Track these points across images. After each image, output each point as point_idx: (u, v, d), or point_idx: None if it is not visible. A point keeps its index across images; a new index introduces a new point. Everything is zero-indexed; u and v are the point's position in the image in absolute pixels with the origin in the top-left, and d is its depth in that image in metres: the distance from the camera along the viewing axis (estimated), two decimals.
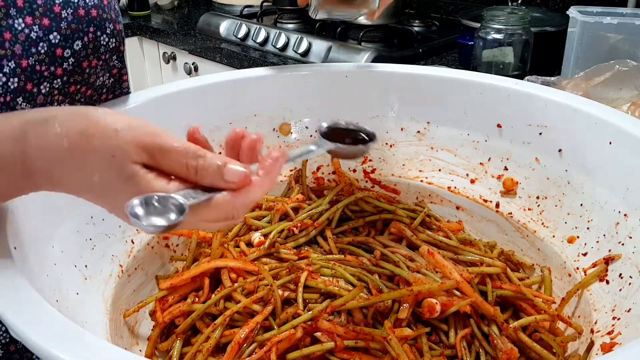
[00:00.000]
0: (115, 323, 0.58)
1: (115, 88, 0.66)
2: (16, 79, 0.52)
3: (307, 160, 0.78)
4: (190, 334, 0.59)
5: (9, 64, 0.52)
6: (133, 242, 0.65)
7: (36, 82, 0.54)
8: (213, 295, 0.60)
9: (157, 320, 0.60)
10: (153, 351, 0.59)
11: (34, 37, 0.53)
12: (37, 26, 0.53)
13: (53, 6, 0.54)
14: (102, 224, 0.61)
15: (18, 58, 0.52)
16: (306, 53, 1.35)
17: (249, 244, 0.68)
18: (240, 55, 1.44)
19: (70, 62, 0.56)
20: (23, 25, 0.53)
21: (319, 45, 1.34)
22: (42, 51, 0.54)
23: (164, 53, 1.72)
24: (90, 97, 0.62)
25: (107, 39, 0.60)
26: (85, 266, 0.57)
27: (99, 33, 0.58)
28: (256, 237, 0.67)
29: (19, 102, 0.53)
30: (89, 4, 0.57)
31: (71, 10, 0.55)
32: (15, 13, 0.52)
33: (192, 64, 1.61)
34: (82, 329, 0.38)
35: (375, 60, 1.26)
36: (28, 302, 0.39)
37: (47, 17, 0.54)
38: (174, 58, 1.70)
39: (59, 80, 0.56)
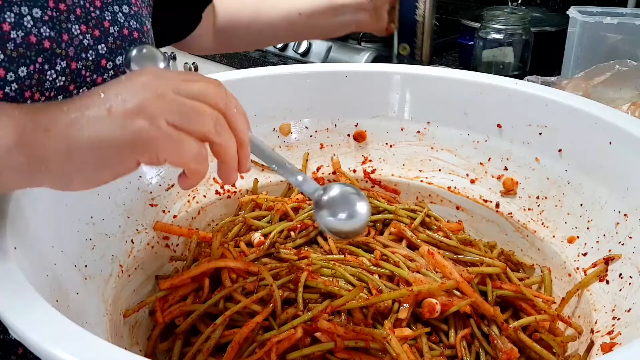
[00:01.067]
0: (115, 323, 0.57)
1: None
2: (63, 78, 0.58)
3: (307, 160, 0.78)
4: (190, 334, 0.59)
5: (62, 63, 0.57)
6: (133, 242, 0.65)
7: (78, 85, 0.59)
8: (213, 295, 0.60)
9: (157, 320, 0.60)
10: (153, 351, 0.59)
11: (86, 44, 0.59)
12: (89, 35, 0.59)
13: (103, 21, 0.61)
14: (102, 224, 0.61)
15: (70, 60, 0.58)
16: (306, 53, 1.35)
17: (249, 244, 0.68)
18: (240, 55, 1.44)
19: (111, 74, 0.62)
20: (78, 31, 0.59)
21: (319, 46, 1.34)
22: (90, 58, 0.60)
23: (164, 53, 1.72)
24: None
25: None
26: (85, 266, 0.57)
27: None
28: (256, 237, 0.67)
29: (59, 100, 0.58)
30: (132, 26, 0.64)
31: (117, 28, 0.62)
32: (74, 19, 0.58)
33: (192, 64, 1.61)
34: (82, 329, 0.38)
35: (375, 60, 1.26)
36: (28, 302, 0.39)
37: (98, 30, 0.60)
38: (174, 58, 1.70)
39: None
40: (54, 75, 0.57)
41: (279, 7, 0.86)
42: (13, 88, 0.53)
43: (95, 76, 0.60)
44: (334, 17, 0.85)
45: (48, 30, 0.56)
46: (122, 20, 0.63)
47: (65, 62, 0.57)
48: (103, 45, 0.60)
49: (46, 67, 0.56)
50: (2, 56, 0.53)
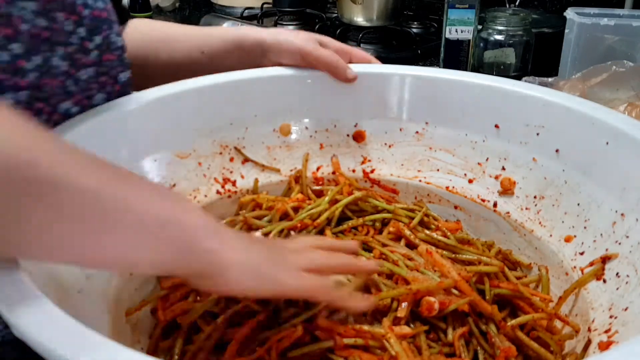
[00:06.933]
0: (117, 321, 0.58)
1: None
2: (66, 63, 0.57)
3: (307, 160, 0.79)
4: (192, 332, 0.60)
5: (60, 49, 0.57)
6: None
7: (76, 68, 0.59)
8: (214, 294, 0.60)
9: (158, 319, 0.60)
10: (155, 349, 0.60)
11: (68, 30, 0.58)
12: (70, 20, 0.58)
13: (77, 6, 0.58)
14: None
15: (65, 46, 0.57)
16: None
17: None
18: None
19: (96, 54, 0.61)
20: (62, 18, 0.57)
21: None
22: (75, 42, 0.58)
23: None
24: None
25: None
26: None
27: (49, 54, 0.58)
28: (257, 236, 0.68)
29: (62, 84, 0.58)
30: (100, 7, 0.61)
31: (89, 11, 0.59)
32: (56, 7, 0.57)
33: None
34: (85, 327, 0.38)
35: None
36: (30, 300, 0.40)
37: (75, 15, 0.58)
38: None
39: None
40: (58, 62, 0.57)
41: (181, 45, 0.81)
42: (31, 77, 0.55)
43: (86, 57, 0.60)
44: (240, 59, 0.79)
45: (43, 21, 0.56)
46: (90, 3, 0.61)
47: (62, 48, 0.57)
48: (82, 28, 0.59)
49: (49, 54, 0.56)
50: (19, 46, 0.53)
